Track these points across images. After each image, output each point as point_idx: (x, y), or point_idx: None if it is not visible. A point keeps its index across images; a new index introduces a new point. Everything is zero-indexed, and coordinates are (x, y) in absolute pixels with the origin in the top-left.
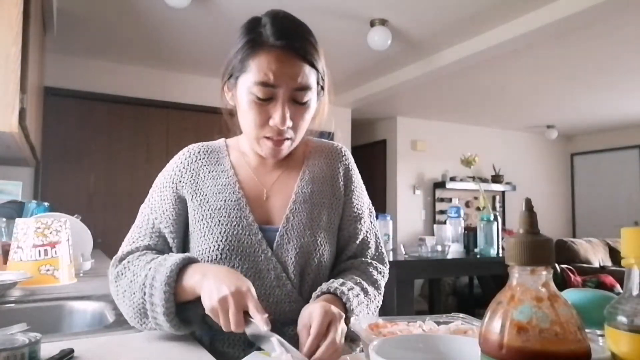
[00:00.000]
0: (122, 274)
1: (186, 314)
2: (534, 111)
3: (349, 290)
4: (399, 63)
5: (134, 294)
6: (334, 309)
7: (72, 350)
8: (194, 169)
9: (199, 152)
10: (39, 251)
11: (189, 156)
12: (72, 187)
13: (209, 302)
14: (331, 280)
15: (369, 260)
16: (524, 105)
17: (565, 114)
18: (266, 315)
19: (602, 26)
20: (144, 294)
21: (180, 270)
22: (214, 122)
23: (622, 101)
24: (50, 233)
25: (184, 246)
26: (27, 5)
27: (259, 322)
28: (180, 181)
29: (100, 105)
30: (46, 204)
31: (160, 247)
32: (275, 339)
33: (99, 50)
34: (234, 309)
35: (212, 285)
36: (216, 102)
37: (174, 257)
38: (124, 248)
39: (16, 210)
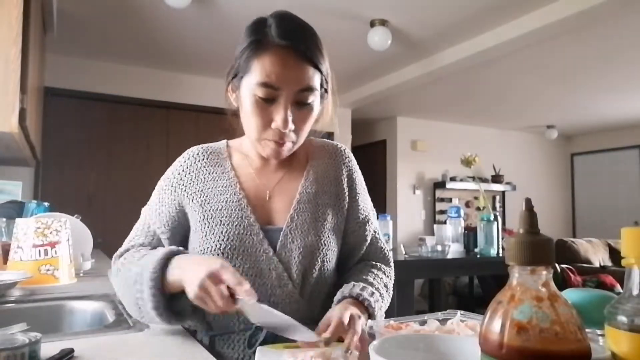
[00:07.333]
0: (119, 270)
1: (177, 306)
2: (534, 111)
3: (370, 295)
4: (399, 63)
5: (128, 288)
6: (354, 310)
7: (72, 350)
8: (193, 171)
9: (198, 154)
10: (39, 251)
11: (188, 159)
12: (72, 187)
13: (192, 293)
14: (351, 283)
15: (379, 264)
16: (524, 105)
17: (565, 114)
18: (248, 286)
19: (602, 26)
20: (136, 290)
21: (166, 264)
22: (214, 122)
23: (622, 101)
24: (50, 233)
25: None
26: (27, 6)
27: (242, 294)
28: (179, 184)
29: (100, 105)
30: (46, 204)
31: (155, 245)
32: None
33: (99, 51)
34: (214, 287)
35: (191, 275)
36: (216, 102)
37: (158, 253)
38: (123, 246)
39: (16, 210)
